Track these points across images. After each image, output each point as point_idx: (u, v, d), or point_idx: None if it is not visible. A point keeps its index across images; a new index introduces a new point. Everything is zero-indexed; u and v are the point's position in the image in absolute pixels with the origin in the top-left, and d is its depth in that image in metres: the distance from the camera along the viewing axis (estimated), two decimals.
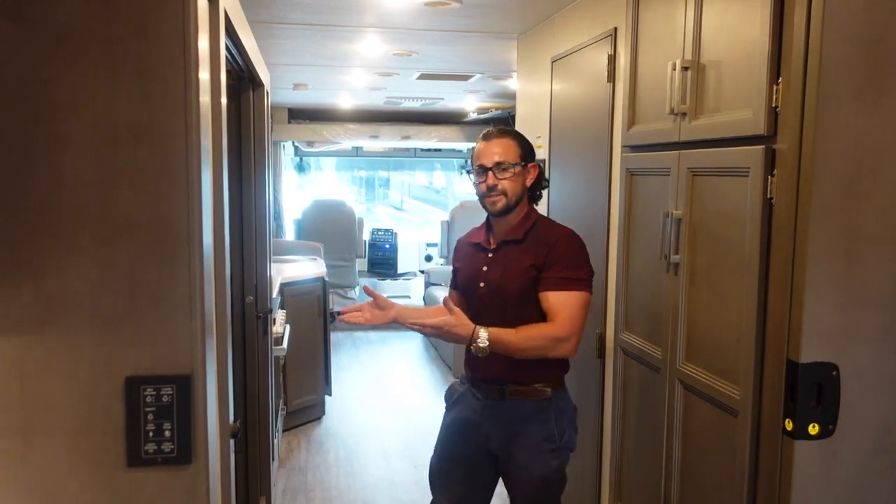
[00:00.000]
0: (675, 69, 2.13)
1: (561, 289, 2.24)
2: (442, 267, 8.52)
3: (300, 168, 10.03)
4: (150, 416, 1.31)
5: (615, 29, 2.90)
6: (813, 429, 1.70)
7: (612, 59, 2.91)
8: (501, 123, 8.50)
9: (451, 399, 2.54)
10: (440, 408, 2.60)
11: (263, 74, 3.11)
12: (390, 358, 7.39)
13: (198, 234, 1.30)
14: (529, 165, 2.36)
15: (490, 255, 2.40)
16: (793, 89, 1.67)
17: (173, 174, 1.27)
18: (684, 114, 2.12)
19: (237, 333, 3.03)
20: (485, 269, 2.39)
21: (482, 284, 2.38)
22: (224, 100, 1.63)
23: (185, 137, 1.27)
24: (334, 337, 7.95)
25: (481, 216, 2.46)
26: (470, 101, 7.65)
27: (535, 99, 3.98)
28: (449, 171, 11.12)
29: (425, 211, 11.43)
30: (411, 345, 7.87)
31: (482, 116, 8.34)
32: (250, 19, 3.86)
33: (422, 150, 9.99)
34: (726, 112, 1.94)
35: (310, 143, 9.19)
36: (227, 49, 2.27)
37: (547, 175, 2.49)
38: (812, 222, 1.65)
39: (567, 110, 3.42)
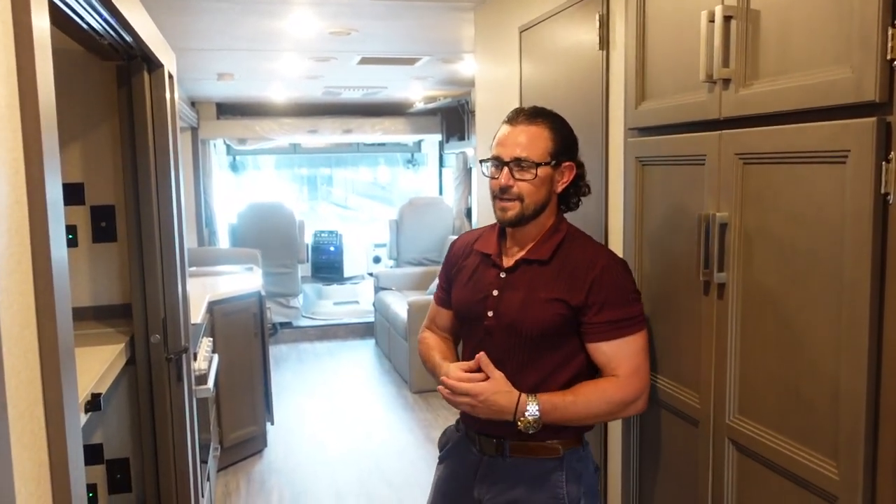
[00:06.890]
0: (712, 21, 1.57)
1: (616, 336, 1.73)
2: (392, 270, 7.88)
3: (234, 168, 9.25)
4: None
5: None
6: None
7: (605, 21, 2.33)
8: (452, 113, 7.89)
9: (445, 448, 2.01)
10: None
11: (164, 54, 2.46)
12: (339, 372, 6.75)
13: None
14: (564, 165, 1.78)
15: (503, 276, 1.83)
16: None
17: None
18: (727, 80, 1.55)
19: (143, 382, 2.38)
20: (495, 293, 1.82)
21: (490, 314, 1.81)
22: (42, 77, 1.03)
23: None
24: (277, 351, 7.28)
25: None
26: (416, 89, 7.00)
27: (500, 81, 3.38)
28: (394, 165, 10.48)
29: (371, 208, 10.78)
30: (362, 355, 7.25)
31: (430, 106, 7.72)
32: None
33: (365, 144, 9.33)
34: (801, 73, 1.37)
35: (242, 141, 8.45)
36: (102, 19, 1.73)
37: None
38: None
39: (543, 90, 2.82)
